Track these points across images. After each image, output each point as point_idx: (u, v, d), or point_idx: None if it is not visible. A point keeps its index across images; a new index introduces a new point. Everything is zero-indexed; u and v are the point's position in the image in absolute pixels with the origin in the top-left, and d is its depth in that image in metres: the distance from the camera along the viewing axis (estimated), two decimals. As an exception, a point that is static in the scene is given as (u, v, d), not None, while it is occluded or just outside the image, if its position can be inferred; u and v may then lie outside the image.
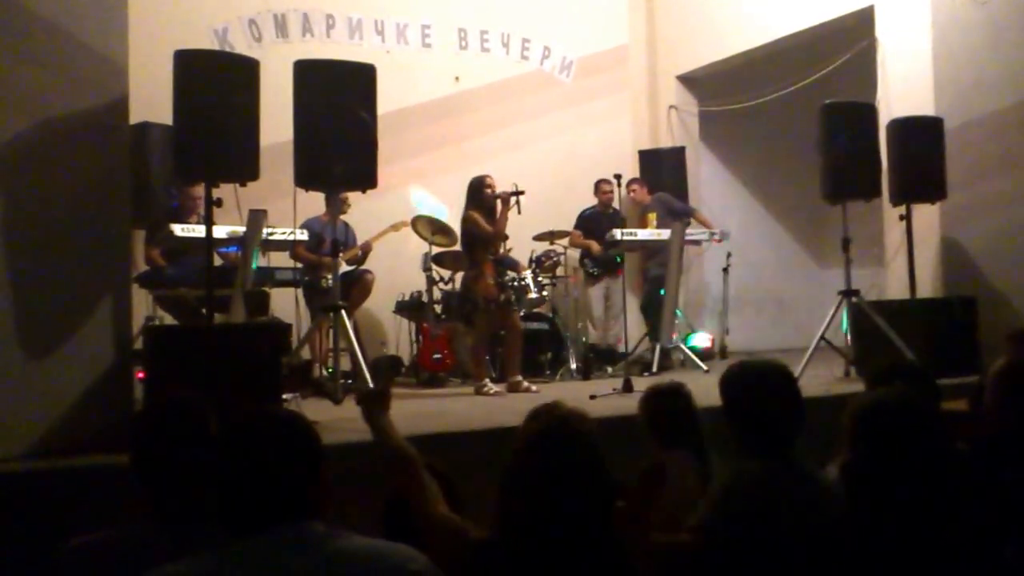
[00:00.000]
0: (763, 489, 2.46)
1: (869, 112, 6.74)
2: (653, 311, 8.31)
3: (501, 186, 6.89)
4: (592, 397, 5.87)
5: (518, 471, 2.08)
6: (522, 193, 6.78)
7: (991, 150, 6.88)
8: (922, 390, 2.96)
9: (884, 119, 6.91)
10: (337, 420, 4.90)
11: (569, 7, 10.04)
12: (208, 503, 2.16)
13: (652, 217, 8.54)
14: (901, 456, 2.18)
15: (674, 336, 8.01)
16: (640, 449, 3.33)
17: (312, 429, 1.90)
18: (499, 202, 6.79)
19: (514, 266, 7.54)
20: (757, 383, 2.64)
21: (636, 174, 9.72)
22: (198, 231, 5.65)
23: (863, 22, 8.20)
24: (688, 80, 10.35)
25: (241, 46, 8.12)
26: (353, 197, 7.09)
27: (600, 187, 8.80)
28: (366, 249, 7.72)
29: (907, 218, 6.56)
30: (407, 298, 8.08)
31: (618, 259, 8.30)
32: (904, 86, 7.70)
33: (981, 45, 6.97)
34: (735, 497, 2.47)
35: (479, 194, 6.85)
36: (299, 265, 7.20)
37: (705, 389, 4.18)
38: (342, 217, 7.20)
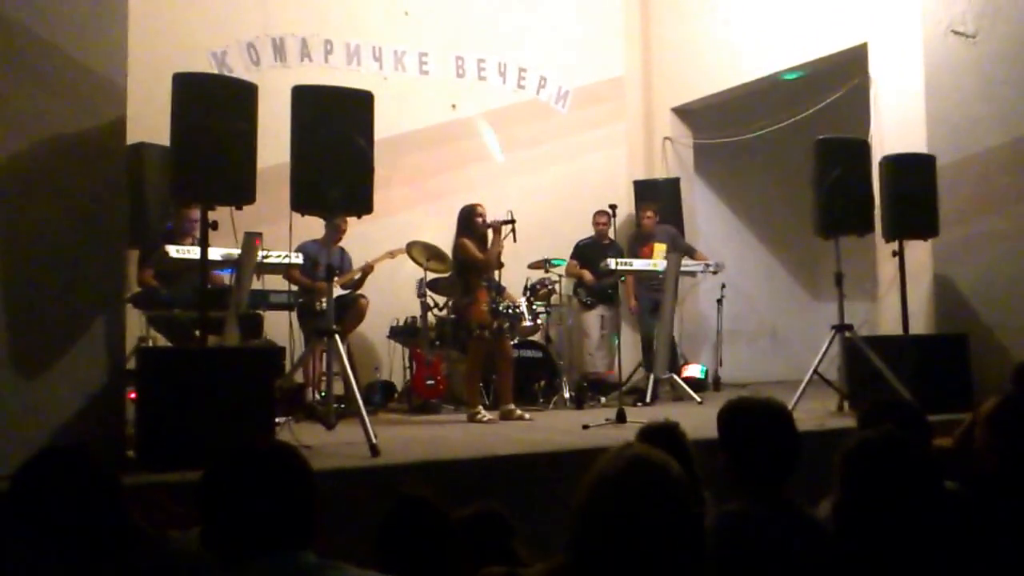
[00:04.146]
0: (752, 528, 2.46)
1: (862, 148, 6.78)
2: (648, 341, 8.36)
3: (495, 214, 6.92)
4: (585, 427, 5.86)
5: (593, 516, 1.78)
6: (514, 222, 6.80)
7: (983, 188, 6.92)
8: (913, 428, 2.96)
9: (877, 155, 6.97)
10: (329, 445, 4.89)
11: (566, 38, 10.12)
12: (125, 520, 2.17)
13: (661, 247, 8.55)
14: (891, 497, 2.19)
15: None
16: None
17: (303, 461, 1.90)
18: (491, 230, 6.81)
19: (500, 291, 7.53)
20: (754, 421, 2.64)
21: (631, 204, 9.82)
22: (193, 253, 5.65)
23: (857, 59, 8.27)
24: (683, 112, 10.41)
25: (239, 70, 8.16)
26: (349, 222, 7.13)
27: (596, 219, 8.84)
28: (367, 271, 7.71)
29: (900, 254, 6.58)
30: (401, 323, 8.07)
31: (610, 291, 8.36)
32: (897, 123, 7.76)
33: (972, 84, 7.03)
34: (724, 536, 2.46)
35: (470, 222, 6.87)
36: (294, 288, 7.20)
37: (699, 421, 4.18)
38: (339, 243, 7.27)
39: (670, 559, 1.71)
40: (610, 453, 1.83)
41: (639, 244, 8.92)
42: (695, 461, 3.19)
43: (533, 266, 8.46)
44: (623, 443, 1.91)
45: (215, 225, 4.73)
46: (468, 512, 2.76)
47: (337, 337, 5.27)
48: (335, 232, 7.31)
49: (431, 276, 7.95)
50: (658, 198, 9.45)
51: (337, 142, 4.98)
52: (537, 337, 8.18)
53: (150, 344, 6.25)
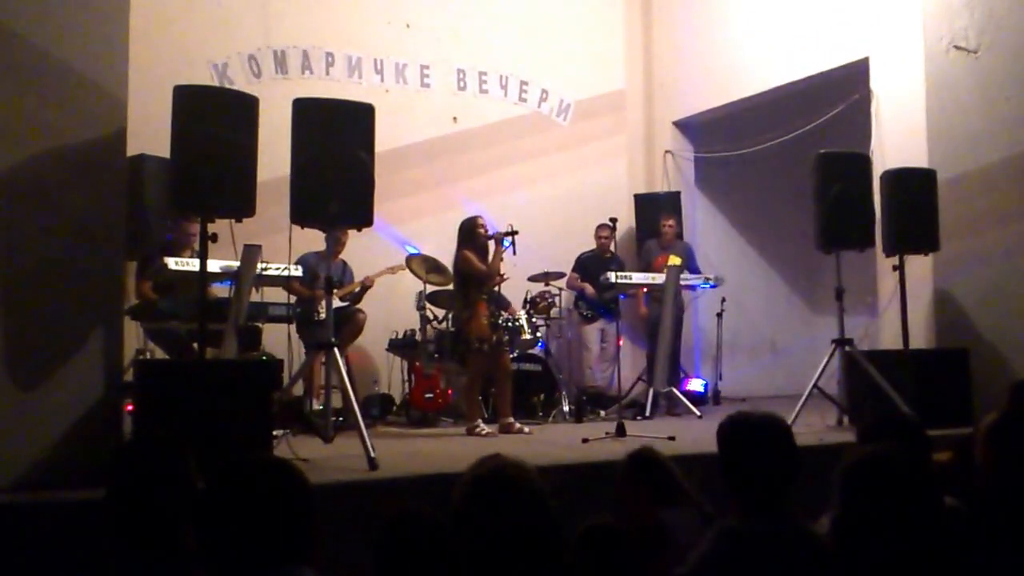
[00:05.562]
0: (752, 544, 2.45)
1: (863, 162, 6.78)
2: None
3: (496, 226, 6.92)
4: (584, 440, 5.84)
5: (460, 520, 2.04)
6: (516, 233, 6.81)
7: (983, 203, 6.91)
8: (913, 444, 2.95)
9: (878, 170, 6.96)
10: (327, 459, 4.87)
11: (567, 51, 10.14)
12: (182, 542, 2.16)
13: (675, 260, 8.49)
14: (891, 513, 2.18)
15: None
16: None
17: (301, 476, 1.89)
18: (492, 242, 6.81)
19: (505, 306, 7.54)
20: (753, 435, 2.63)
21: (632, 217, 9.81)
22: (192, 265, 5.64)
23: (858, 74, 8.28)
24: (684, 126, 10.42)
25: (240, 81, 8.17)
26: (349, 235, 7.12)
27: (598, 232, 8.82)
28: (367, 285, 7.70)
29: (900, 268, 6.57)
30: (400, 336, 8.06)
31: (611, 305, 8.35)
32: (898, 137, 7.76)
33: (973, 99, 7.03)
34: (724, 551, 2.45)
35: (472, 234, 6.86)
36: (292, 300, 7.19)
37: (698, 435, 4.17)
38: (341, 256, 7.26)
39: (524, 556, 1.93)
40: (475, 461, 2.08)
41: (656, 253, 8.86)
42: (678, 478, 3.18)
43: (533, 279, 8.46)
44: (488, 454, 2.11)
45: (215, 237, 4.72)
46: None
47: (336, 350, 5.25)
48: (335, 245, 7.30)
49: (431, 289, 7.94)
50: (659, 211, 9.41)
51: (338, 155, 4.98)
52: (536, 350, 8.16)
53: (148, 356, 6.23)
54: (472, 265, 6.78)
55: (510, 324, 7.05)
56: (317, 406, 6.93)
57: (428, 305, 7.88)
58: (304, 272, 6.81)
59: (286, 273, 6.24)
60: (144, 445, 2.41)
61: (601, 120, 10.30)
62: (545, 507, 2.00)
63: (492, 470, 2.05)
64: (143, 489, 2.24)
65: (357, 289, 7.66)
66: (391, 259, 8.04)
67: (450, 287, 7.55)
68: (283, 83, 8.49)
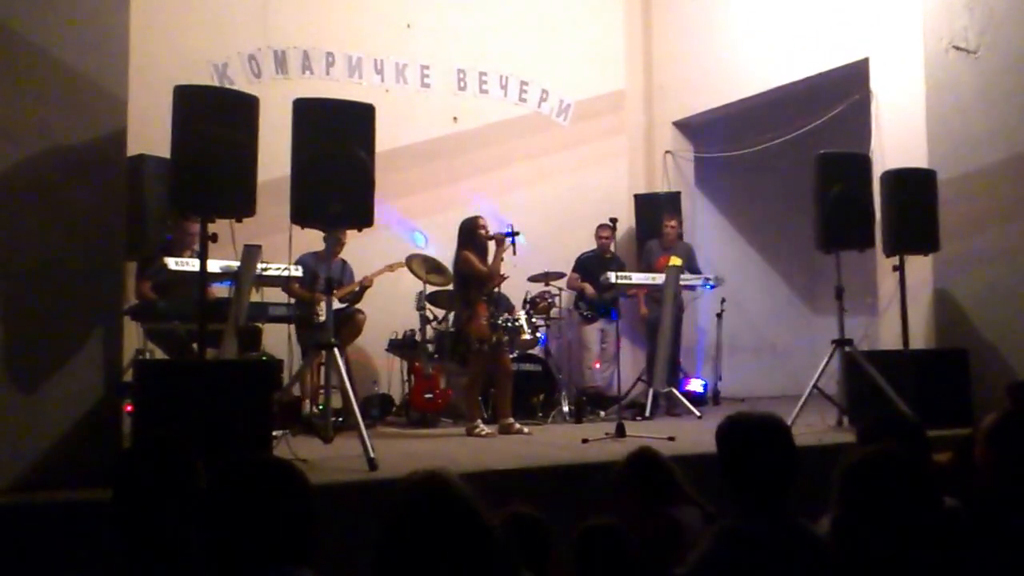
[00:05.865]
0: (752, 544, 2.45)
1: (863, 163, 6.79)
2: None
3: (496, 227, 6.93)
4: (584, 441, 5.84)
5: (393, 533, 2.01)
6: (517, 234, 6.81)
7: (983, 203, 6.91)
8: (913, 444, 2.95)
9: (878, 170, 6.96)
10: (327, 459, 4.87)
11: (567, 51, 10.14)
12: (185, 544, 2.16)
13: (676, 261, 8.47)
14: (890, 513, 2.18)
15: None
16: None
17: (301, 476, 1.89)
18: (493, 243, 6.81)
19: (508, 308, 7.54)
20: (752, 436, 2.63)
21: (632, 218, 9.81)
22: (192, 265, 5.65)
23: (858, 74, 8.27)
24: (684, 126, 10.41)
25: (240, 81, 8.16)
26: (349, 235, 7.12)
27: (599, 232, 8.81)
28: (366, 285, 7.69)
29: (900, 269, 6.57)
30: (400, 336, 8.06)
31: (611, 306, 8.35)
32: (898, 138, 7.75)
33: (973, 99, 7.03)
34: (723, 551, 2.45)
35: (473, 235, 6.86)
36: (292, 301, 7.19)
37: (698, 435, 4.17)
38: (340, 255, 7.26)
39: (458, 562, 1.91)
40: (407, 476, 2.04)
41: (658, 254, 8.85)
42: (678, 478, 3.18)
43: (533, 279, 8.45)
44: (415, 470, 2.07)
45: (215, 237, 4.72)
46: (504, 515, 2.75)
47: (336, 350, 5.25)
48: (335, 245, 7.30)
49: (431, 289, 7.94)
50: (659, 212, 9.41)
51: (338, 155, 4.97)
52: (536, 351, 8.16)
53: (148, 356, 6.23)
54: (472, 266, 6.78)
55: (510, 324, 7.04)
56: (315, 408, 6.93)
57: (428, 305, 7.88)
58: (303, 274, 6.81)
59: (286, 273, 6.23)
60: (150, 446, 2.41)
61: (601, 120, 10.30)
62: (472, 514, 1.97)
63: (410, 487, 2.02)
64: (149, 490, 2.24)
65: (356, 289, 7.65)
66: (392, 257, 8.02)
67: (450, 287, 7.55)
68: (283, 83, 8.49)
